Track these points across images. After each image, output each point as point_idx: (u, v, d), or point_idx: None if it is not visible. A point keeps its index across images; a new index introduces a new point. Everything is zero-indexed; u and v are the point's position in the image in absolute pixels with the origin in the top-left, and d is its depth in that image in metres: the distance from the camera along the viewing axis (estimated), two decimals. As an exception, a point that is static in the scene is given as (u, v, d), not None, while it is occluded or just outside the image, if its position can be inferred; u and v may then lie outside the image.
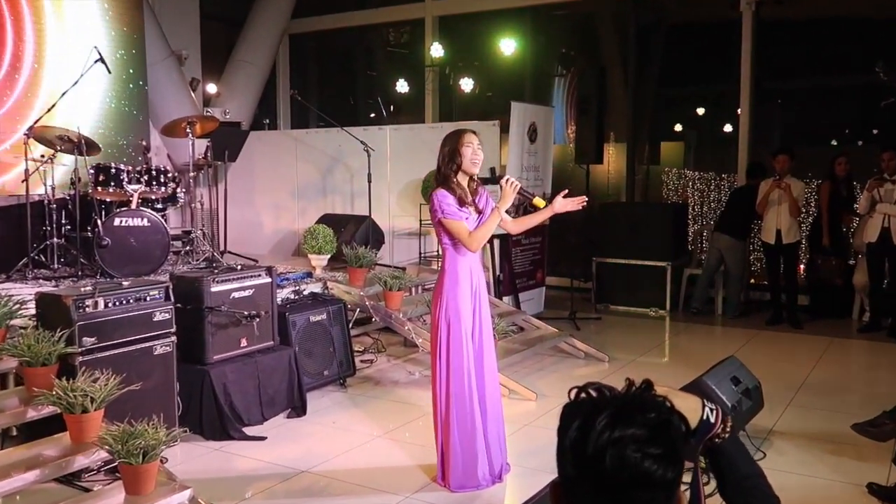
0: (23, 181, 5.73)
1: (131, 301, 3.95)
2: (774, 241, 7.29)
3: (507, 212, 3.61)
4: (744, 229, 7.77)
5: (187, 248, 6.45)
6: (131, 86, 7.52)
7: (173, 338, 4.11)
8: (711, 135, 9.90)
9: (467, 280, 3.58)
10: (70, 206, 5.95)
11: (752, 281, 8.49)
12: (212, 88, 9.41)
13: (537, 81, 10.16)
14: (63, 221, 6.00)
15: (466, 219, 3.52)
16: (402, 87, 10.48)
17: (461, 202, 3.52)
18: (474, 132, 3.64)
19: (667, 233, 8.07)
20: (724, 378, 4.07)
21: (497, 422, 3.67)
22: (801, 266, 7.90)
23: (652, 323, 7.72)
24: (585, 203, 3.68)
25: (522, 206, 7.13)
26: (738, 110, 8.47)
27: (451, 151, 3.56)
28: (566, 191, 3.72)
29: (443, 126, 7.94)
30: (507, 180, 3.53)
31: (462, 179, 3.58)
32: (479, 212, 3.60)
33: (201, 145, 7.09)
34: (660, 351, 6.65)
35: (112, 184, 6.00)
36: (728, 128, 9.41)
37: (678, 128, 10.11)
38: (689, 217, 9.20)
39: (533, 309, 7.51)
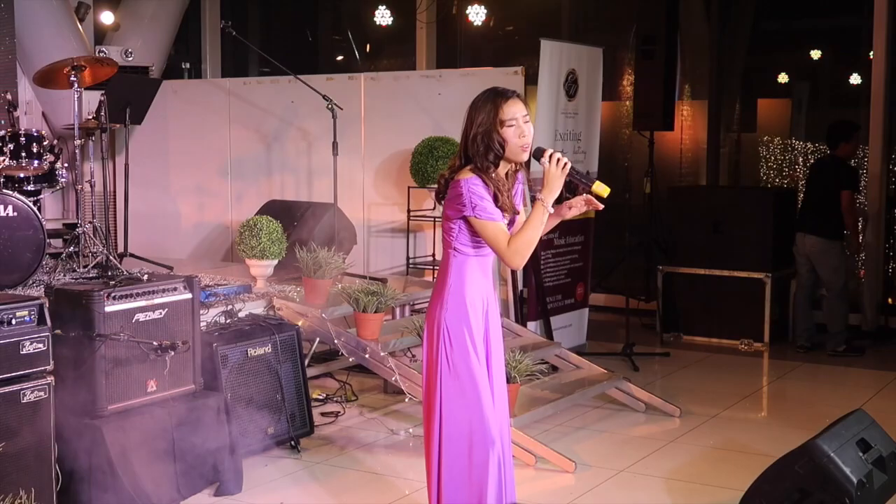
0: None
1: (-10, 325, 3.95)
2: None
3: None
4: (835, 224, 7.75)
5: (71, 248, 6.47)
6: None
7: (50, 379, 4.10)
8: (832, 89, 9.90)
9: (479, 298, 3.58)
10: None
11: (889, 301, 8.50)
12: (108, 18, 9.42)
13: (579, 11, 10.18)
14: None
15: (504, 218, 3.51)
16: (382, 17, 10.50)
17: (496, 200, 3.48)
18: (519, 95, 3.52)
19: (766, 230, 8.09)
20: (848, 441, 4.07)
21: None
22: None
23: (744, 361, 7.72)
24: (601, 208, 3.62)
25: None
26: (871, 54, 8.48)
27: (485, 134, 3.46)
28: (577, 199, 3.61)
29: (441, 74, 7.95)
30: (552, 156, 3.44)
31: (502, 170, 3.55)
32: (514, 213, 3.58)
33: (92, 100, 7.08)
34: (755, 402, 6.64)
35: (-38, 155, 6.01)
36: (855, 79, 9.41)
37: (783, 79, 10.11)
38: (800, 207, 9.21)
39: (572, 340, 7.52)
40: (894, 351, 7.74)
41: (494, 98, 3.48)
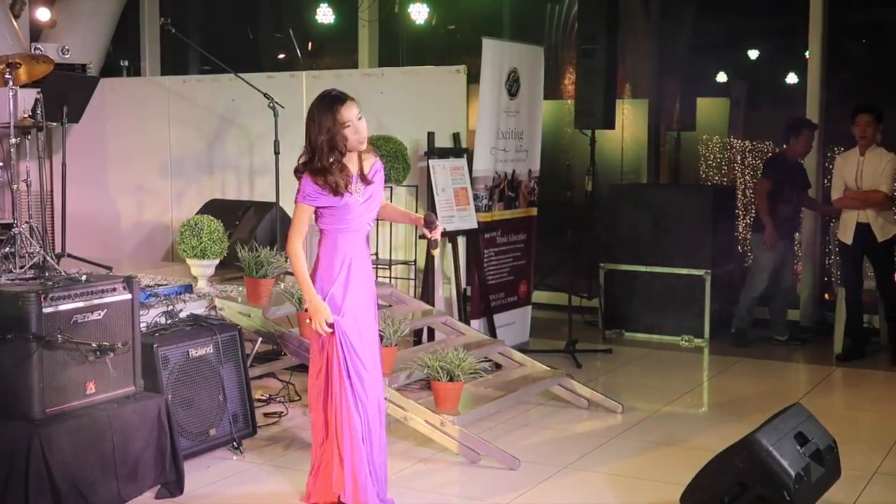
0: None
1: (-78, 328, 3.89)
2: (853, 239, 7.44)
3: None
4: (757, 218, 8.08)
5: (7, 249, 6.37)
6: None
7: (-15, 382, 4.05)
8: (769, 88, 10.04)
9: None
10: None
11: (826, 297, 8.65)
12: (43, 14, 9.29)
13: (520, 10, 10.22)
14: None
15: (351, 194, 4.08)
16: (324, 15, 10.47)
17: (336, 191, 4.04)
18: (352, 99, 4.06)
19: (706, 228, 8.19)
20: (786, 435, 4.14)
21: None
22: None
23: (685, 357, 7.82)
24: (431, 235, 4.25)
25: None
26: (807, 53, 8.61)
27: (329, 140, 3.98)
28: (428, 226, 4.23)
29: (384, 73, 7.96)
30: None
31: (349, 161, 4.10)
32: (369, 182, 4.15)
33: (28, 98, 6.98)
34: (695, 397, 6.72)
35: None
36: (792, 78, 9.55)
37: (722, 78, 10.23)
38: (739, 205, 9.34)
39: (515, 338, 7.55)
40: (829, 347, 7.84)
41: (331, 102, 4.00)
